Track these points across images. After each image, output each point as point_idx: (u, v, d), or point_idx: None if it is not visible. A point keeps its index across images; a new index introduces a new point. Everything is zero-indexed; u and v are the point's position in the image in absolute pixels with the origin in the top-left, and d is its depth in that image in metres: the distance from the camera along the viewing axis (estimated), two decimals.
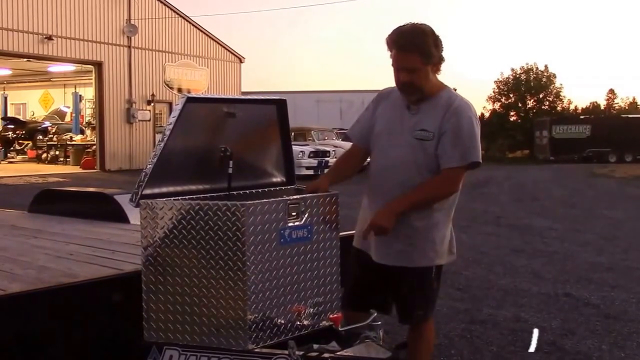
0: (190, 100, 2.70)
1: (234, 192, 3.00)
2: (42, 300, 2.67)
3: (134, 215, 4.58)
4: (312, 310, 2.73)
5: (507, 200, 14.43)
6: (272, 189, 3.19)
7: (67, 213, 5.02)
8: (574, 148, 31.62)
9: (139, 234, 3.70)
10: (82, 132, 25.81)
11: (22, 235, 4.30)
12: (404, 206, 2.84)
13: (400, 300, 3.06)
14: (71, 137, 25.03)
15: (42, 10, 20.76)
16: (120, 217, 4.67)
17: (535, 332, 4.50)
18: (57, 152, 24.89)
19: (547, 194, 15.72)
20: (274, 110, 3.12)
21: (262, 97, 3.13)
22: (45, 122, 27.67)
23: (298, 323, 2.64)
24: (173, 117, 2.66)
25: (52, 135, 25.66)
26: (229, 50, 27.60)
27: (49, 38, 20.76)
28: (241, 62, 28.33)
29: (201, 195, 2.89)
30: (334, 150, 19.62)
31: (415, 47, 2.77)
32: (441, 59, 2.87)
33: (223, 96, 2.90)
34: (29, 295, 2.63)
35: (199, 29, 26.10)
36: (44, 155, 25.30)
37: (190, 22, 25.74)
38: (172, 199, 2.71)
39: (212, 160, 2.93)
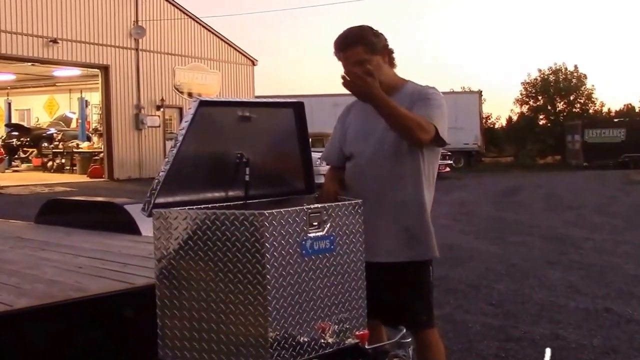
0: (203, 104, 2.68)
1: (251, 201, 2.98)
2: (50, 315, 2.67)
3: (146, 227, 4.59)
4: (336, 327, 2.69)
5: (539, 209, 14.34)
6: (291, 197, 3.17)
7: (75, 224, 5.05)
8: (608, 153, 31.32)
9: (151, 246, 3.70)
10: (88, 139, 26.00)
11: (28, 247, 4.33)
12: (384, 100, 2.92)
13: (401, 304, 3.11)
14: (77, 145, 25.22)
15: (47, 13, 20.97)
16: (131, 228, 4.68)
17: (548, 351, 4.44)
18: (63, 160, 25.12)
19: (582, 202, 15.59)
20: (292, 114, 3.11)
21: (279, 100, 3.12)
22: (51, 129, 27.90)
23: (322, 341, 2.61)
24: (185, 121, 2.65)
25: (57, 143, 25.88)
26: (241, 53, 27.73)
27: (54, 41, 20.96)
28: (254, 64, 28.45)
29: (217, 204, 2.87)
30: None
31: (355, 40, 3.04)
32: (389, 50, 3.12)
33: (238, 99, 2.88)
34: (37, 310, 2.62)
35: (209, 31, 26.25)
36: (50, 163, 25.53)
37: (200, 24, 25.90)
38: (186, 208, 2.69)
39: (228, 167, 2.91)
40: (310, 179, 3.20)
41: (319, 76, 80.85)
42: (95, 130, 26.20)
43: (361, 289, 2.82)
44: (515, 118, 43.54)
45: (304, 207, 2.61)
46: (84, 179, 22.47)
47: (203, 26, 26.02)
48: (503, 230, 10.99)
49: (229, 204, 2.91)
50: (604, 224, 11.73)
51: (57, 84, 29.97)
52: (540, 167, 34.17)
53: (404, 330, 2.77)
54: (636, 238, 9.96)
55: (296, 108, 3.07)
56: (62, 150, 25.34)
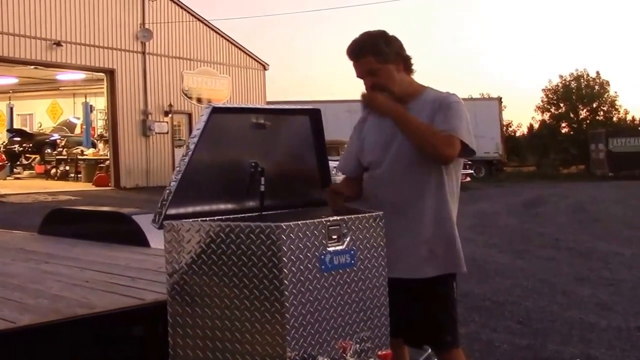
0: (216, 110, 2.66)
1: (267, 212, 2.95)
2: (55, 333, 2.65)
3: (155, 238, 4.59)
4: (358, 346, 2.65)
5: (564, 222, 14.27)
6: (308, 208, 3.13)
7: (80, 235, 5.05)
8: (634, 163, 31.10)
9: (161, 259, 3.66)
10: (93, 145, 26.06)
11: (32, 259, 4.32)
12: (400, 114, 2.96)
13: (424, 322, 3.06)
14: (82, 151, 25.25)
15: (50, 14, 21.06)
16: (139, 239, 4.66)
17: None
18: (67, 168, 25.13)
19: (609, 215, 15.49)
20: (308, 121, 3.09)
21: (295, 107, 3.10)
22: (54, 135, 27.94)
23: None
24: (198, 129, 2.63)
25: (61, 149, 25.91)
26: (252, 57, 27.77)
27: (58, 44, 21.02)
28: (265, 69, 28.48)
29: (231, 216, 2.85)
30: None
31: (365, 50, 3.04)
32: (403, 57, 3.09)
33: (252, 106, 2.88)
34: (42, 328, 2.60)
35: (219, 34, 26.30)
36: (53, 170, 25.55)
37: (209, 27, 25.95)
38: (199, 219, 2.67)
39: (242, 176, 2.89)
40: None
41: (333, 81, 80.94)
42: (101, 136, 26.25)
43: (384, 306, 2.79)
44: (536, 126, 43.44)
45: (323, 220, 2.58)
46: (89, 187, 22.50)
47: (212, 29, 26.07)
48: (527, 243, 10.92)
49: (243, 215, 2.88)
50: (632, 237, 11.62)
51: (60, 88, 30.09)
52: (563, 177, 34.01)
53: (429, 351, 2.73)
54: None
55: (313, 115, 3.05)
56: (66, 157, 25.36)
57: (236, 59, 27.02)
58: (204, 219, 2.70)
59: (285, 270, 2.41)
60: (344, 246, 2.62)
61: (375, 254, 2.73)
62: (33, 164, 27.39)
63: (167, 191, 2.59)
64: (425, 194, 3.02)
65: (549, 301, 6.73)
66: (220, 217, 2.79)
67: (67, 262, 4.18)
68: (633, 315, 6.08)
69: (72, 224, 5.37)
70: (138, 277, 3.60)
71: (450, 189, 3.07)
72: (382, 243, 2.75)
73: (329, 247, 2.56)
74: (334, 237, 2.58)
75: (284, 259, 2.40)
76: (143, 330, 2.79)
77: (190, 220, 2.63)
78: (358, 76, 3.10)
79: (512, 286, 7.44)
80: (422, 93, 3.11)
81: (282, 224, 2.41)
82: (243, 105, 2.95)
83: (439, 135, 2.92)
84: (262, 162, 2.88)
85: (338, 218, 2.64)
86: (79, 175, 24.41)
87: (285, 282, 2.41)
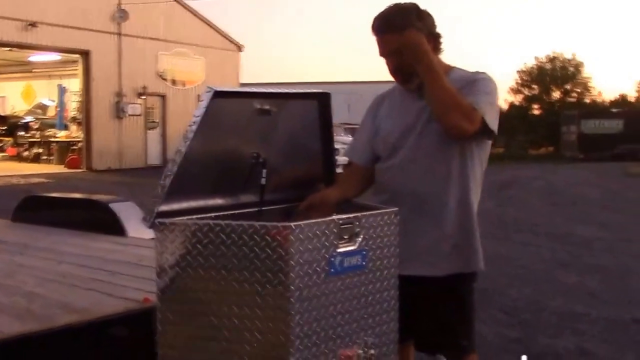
0: (218, 94, 2.34)
1: (267, 208, 2.66)
2: (34, 341, 2.36)
3: (132, 227, 4.36)
4: (362, 352, 2.39)
5: (539, 205, 14.11)
6: None
7: (55, 223, 4.81)
8: (605, 145, 31.13)
9: (140, 249, 3.40)
10: (66, 127, 25.61)
11: (5, 250, 4.07)
12: (436, 65, 2.62)
13: (439, 325, 2.80)
14: (55, 134, 24.87)
15: None
16: (116, 228, 4.47)
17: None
18: (40, 150, 24.80)
19: (583, 197, 15.39)
20: (315, 106, 2.78)
21: (302, 91, 2.77)
22: (27, 117, 27.47)
23: None
24: (197, 116, 2.30)
25: (34, 132, 25.51)
26: (226, 38, 27.41)
27: (33, 25, 20.47)
28: (240, 50, 28.12)
29: (228, 212, 2.54)
30: (343, 149, 19.32)
31: (394, 25, 2.69)
32: (434, 35, 2.76)
33: (257, 90, 2.56)
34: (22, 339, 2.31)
35: (194, 15, 25.87)
36: (26, 153, 25.23)
37: (185, 7, 25.51)
38: (194, 217, 2.37)
39: (241, 168, 2.59)
40: (333, 182, 2.88)
41: (308, 63, 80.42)
42: (74, 118, 25.76)
43: (393, 311, 2.52)
44: (505, 107, 43.42)
45: (335, 218, 2.30)
46: (61, 169, 22.13)
47: (188, 10, 25.63)
48: (504, 227, 10.70)
49: (241, 211, 2.58)
50: (611, 220, 11.48)
51: (34, 71, 29.43)
52: (532, 159, 33.99)
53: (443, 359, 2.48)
54: None
55: (321, 99, 2.74)
56: (38, 140, 25.01)
57: (211, 40, 26.62)
58: (200, 216, 2.40)
59: (292, 275, 2.12)
60: (355, 246, 2.33)
61: (388, 254, 2.46)
62: (5, 147, 26.89)
63: (161, 186, 2.28)
64: (449, 182, 2.70)
65: (534, 289, 6.53)
66: (217, 213, 2.49)
67: (42, 254, 3.93)
68: (625, 305, 5.89)
69: (46, 211, 5.12)
70: (118, 271, 3.38)
71: (474, 176, 2.75)
72: (395, 242, 2.47)
73: (339, 248, 2.28)
74: (346, 237, 2.30)
75: (292, 262, 2.12)
76: (128, 337, 2.51)
77: (185, 218, 2.33)
78: (381, 54, 2.75)
79: (494, 273, 7.16)
80: (449, 74, 2.76)
81: (292, 224, 2.12)
82: (247, 89, 2.62)
83: (463, 105, 2.58)
84: (264, 153, 2.58)
85: (351, 216, 2.35)
86: (51, 158, 24.09)
87: (292, 287, 2.13)
